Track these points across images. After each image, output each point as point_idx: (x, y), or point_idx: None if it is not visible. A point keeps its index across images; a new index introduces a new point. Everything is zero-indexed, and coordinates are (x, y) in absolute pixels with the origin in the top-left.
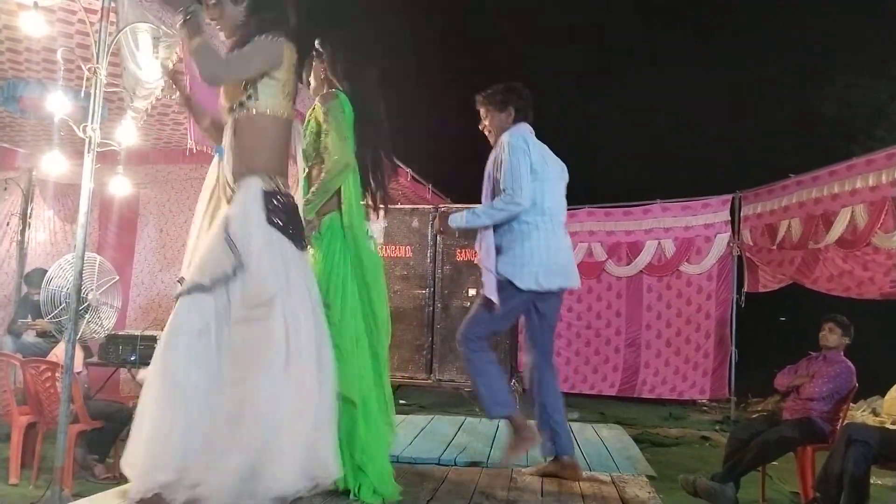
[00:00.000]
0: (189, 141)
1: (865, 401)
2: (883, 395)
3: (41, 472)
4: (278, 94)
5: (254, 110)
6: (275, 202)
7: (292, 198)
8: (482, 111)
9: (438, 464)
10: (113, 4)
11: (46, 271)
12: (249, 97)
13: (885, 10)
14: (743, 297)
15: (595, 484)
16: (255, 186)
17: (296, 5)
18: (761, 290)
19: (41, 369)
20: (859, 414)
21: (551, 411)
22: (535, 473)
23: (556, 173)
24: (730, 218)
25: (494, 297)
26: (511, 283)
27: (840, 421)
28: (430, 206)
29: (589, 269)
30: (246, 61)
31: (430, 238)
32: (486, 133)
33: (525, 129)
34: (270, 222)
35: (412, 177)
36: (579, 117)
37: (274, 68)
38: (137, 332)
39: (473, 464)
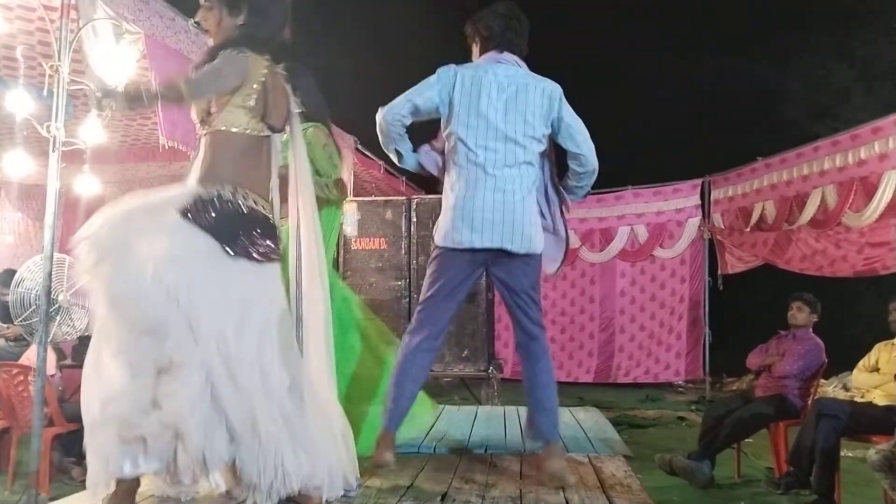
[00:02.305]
0: (160, 137)
1: (837, 377)
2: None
3: (17, 478)
4: (238, 109)
5: (217, 126)
6: (205, 205)
7: (240, 206)
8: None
9: (418, 452)
10: (73, 1)
11: (15, 272)
12: (210, 113)
13: None
14: (720, 280)
15: (572, 465)
16: (190, 188)
17: (291, 21)
18: (731, 272)
19: (13, 373)
20: (831, 389)
21: (540, 396)
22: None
23: (503, 115)
24: (700, 202)
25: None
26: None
27: (811, 397)
28: (404, 198)
29: None
30: (214, 78)
31: (404, 229)
32: None
33: (490, 58)
34: (185, 217)
35: (385, 169)
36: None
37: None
38: None
39: (453, 451)
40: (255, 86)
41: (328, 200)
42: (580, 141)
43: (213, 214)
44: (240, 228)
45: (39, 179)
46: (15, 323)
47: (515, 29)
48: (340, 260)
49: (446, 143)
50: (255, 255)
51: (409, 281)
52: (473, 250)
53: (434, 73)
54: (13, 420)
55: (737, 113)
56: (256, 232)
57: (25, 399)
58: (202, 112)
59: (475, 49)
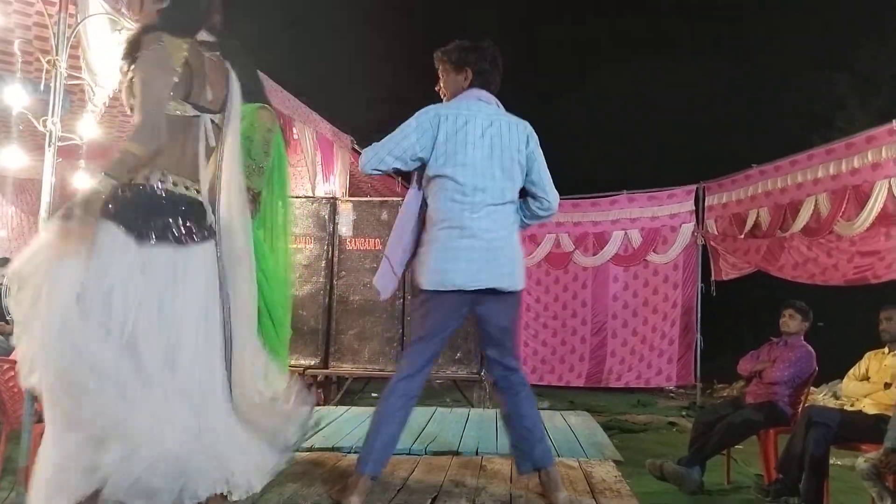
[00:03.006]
0: None
1: (827, 385)
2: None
3: (6, 474)
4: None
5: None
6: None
7: (151, 189)
8: (439, 70)
9: (409, 453)
10: None
11: (10, 260)
12: (131, 96)
13: (844, 1)
14: (713, 286)
15: (563, 468)
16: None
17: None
18: (724, 278)
19: (4, 368)
20: (821, 397)
21: (530, 426)
22: (534, 490)
23: (489, 154)
24: (694, 208)
25: (380, 287)
26: (421, 287)
27: (801, 404)
28: (400, 199)
29: (556, 259)
30: (150, 93)
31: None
32: (442, 96)
33: (472, 96)
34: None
35: None
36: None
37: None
38: None
39: (444, 453)
40: (176, 68)
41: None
42: (548, 186)
43: (121, 203)
44: (156, 213)
45: (34, 174)
46: (7, 318)
47: (499, 71)
48: (335, 260)
49: (428, 181)
50: (176, 237)
51: (404, 282)
52: (461, 292)
53: (415, 109)
54: (3, 415)
55: (732, 120)
56: (178, 214)
57: (16, 394)
58: (128, 100)
59: (457, 77)
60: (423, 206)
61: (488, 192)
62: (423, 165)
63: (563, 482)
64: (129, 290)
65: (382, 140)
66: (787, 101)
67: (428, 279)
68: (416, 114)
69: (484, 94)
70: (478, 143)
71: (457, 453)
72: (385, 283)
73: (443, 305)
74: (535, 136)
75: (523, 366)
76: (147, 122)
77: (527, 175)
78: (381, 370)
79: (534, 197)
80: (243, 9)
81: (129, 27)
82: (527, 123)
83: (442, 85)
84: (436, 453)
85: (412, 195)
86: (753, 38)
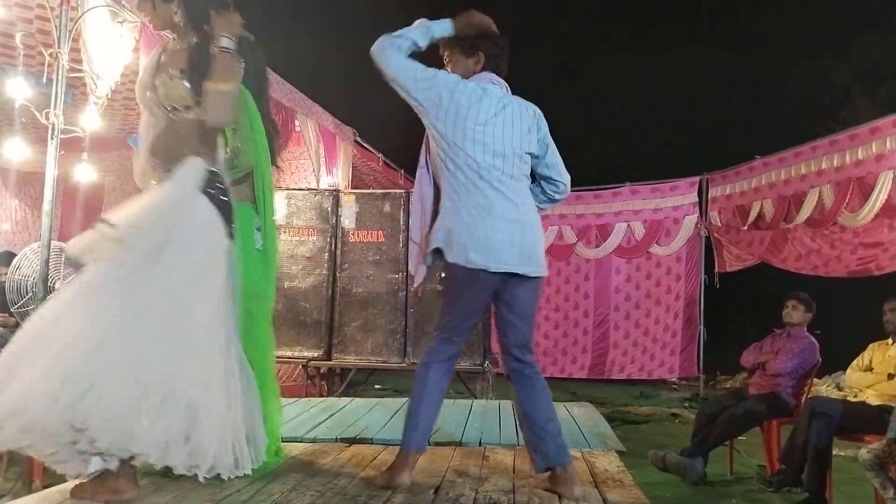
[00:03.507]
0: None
1: (830, 376)
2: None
3: (10, 465)
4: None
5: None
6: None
7: None
8: (446, 56)
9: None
10: None
11: (14, 254)
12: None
13: None
14: (717, 278)
15: None
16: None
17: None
18: (727, 270)
19: None
20: (824, 389)
21: (543, 422)
22: (539, 487)
23: (502, 134)
24: (697, 200)
25: (413, 270)
26: (452, 269)
27: (804, 395)
28: (402, 191)
29: (559, 251)
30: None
31: (402, 223)
32: None
33: (484, 78)
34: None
35: (384, 162)
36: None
37: None
38: None
39: (447, 444)
40: None
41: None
42: (561, 168)
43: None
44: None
45: (37, 167)
46: (11, 310)
47: (506, 59)
48: (338, 252)
49: (443, 158)
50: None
51: (407, 274)
52: (487, 272)
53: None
54: None
55: (736, 111)
56: None
57: None
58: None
59: (466, 61)
60: (436, 187)
61: (506, 171)
62: (429, 151)
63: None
64: None
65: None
66: (791, 92)
67: (456, 254)
68: (439, 72)
69: (495, 77)
70: (491, 121)
71: (460, 444)
72: (418, 269)
73: (474, 287)
74: (545, 121)
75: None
76: (222, 96)
77: (541, 158)
78: (384, 362)
79: (548, 180)
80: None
81: (131, 19)
82: (537, 107)
83: (450, 70)
84: (439, 444)
85: (424, 178)
86: (758, 29)
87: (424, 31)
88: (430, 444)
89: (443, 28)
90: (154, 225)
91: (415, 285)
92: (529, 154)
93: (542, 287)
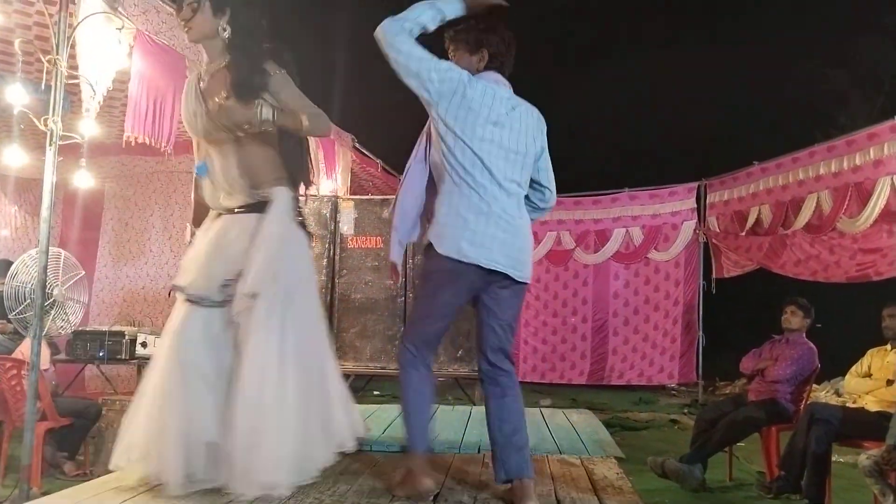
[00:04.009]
0: (126, 132)
1: (829, 382)
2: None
3: (8, 472)
4: None
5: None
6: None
7: None
8: (450, 50)
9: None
10: None
11: (11, 262)
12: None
13: None
14: (713, 284)
15: (564, 466)
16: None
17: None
18: (726, 275)
19: (7, 367)
20: (823, 395)
21: (509, 433)
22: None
23: (508, 137)
24: (696, 205)
25: (395, 257)
26: (432, 248)
27: (804, 401)
28: None
29: (557, 257)
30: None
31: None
32: None
33: (490, 78)
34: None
35: (382, 168)
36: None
37: None
38: (105, 328)
39: (446, 450)
40: None
41: None
42: (551, 176)
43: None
44: None
45: (36, 173)
46: (9, 317)
47: (512, 58)
48: (336, 258)
49: (449, 151)
50: None
51: (405, 280)
52: (477, 267)
53: (416, 106)
54: (6, 414)
55: (734, 117)
56: None
57: (19, 393)
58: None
59: (470, 58)
60: (430, 183)
61: (508, 174)
62: (430, 144)
63: (565, 479)
64: None
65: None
66: (788, 97)
67: (447, 244)
68: (450, 65)
69: (500, 77)
70: (501, 122)
71: (459, 451)
72: (395, 253)
73: (455, 281)
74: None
75: (523, 363)
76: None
77: (537, 163)
78: (382, 368)
79: (536, 187)
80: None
81: (130, 26)
82: (540, 113)
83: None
84: (438, 451)
85: (417, 172)
86: (756, 34)
87: (434, 13)
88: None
89: (454, 8)
90: (282, 271)
91: (392, 279)
92: (531, 155)
93: (524, 295)
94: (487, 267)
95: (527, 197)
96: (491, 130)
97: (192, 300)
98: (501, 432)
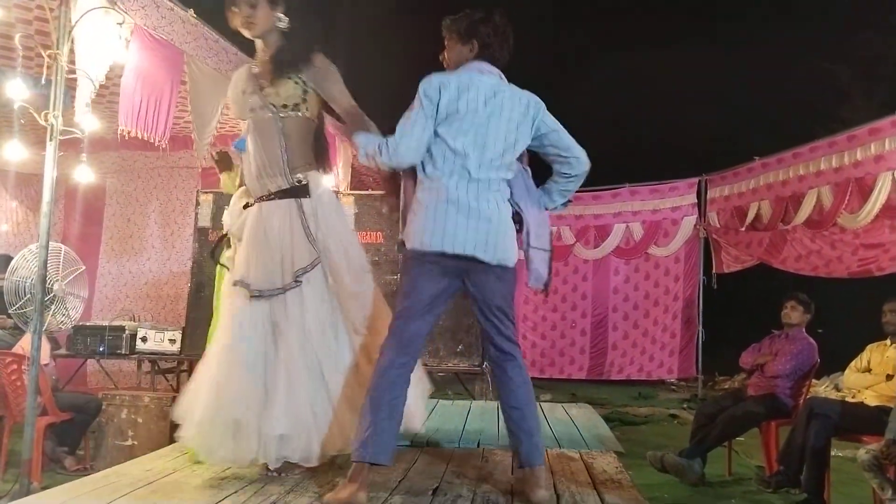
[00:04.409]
0: (120, 126)
1: (828, 377)
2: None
3: (9, 466)
4: None
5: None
6: None
7: None
8: (445, 39)
9: (410, 445)
10: None
11: (11, 257)
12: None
13: None
14: (714, 279)
15: (564, 460)
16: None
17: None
18: (725, 271)
19: (7, 362)
20: (822, 390)
21: (518, 419)
22: (514, 486)
23: (486, 124)
24: (696, 201)
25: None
26: (403, 245)
27: (803, 396)
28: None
29: (557, 252)
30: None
31: (400, 224)
32: (445, 65)
33: (473, 68)
34: None
35: None
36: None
37: None
38: (105, 323)
39: (446, 445)
40: None
41: None
42: (568, 145)
43: None
44: None
45: (36, 168)
46: (10, 312)
47: (507, 46)
48: None
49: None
50: None
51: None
52: (444, 255)
53: (418, 78)
54: (6, 409)
55: (735, 112)
56: None
57: (19, 388)
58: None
59: (462, 48)
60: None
61: (481, 159)
62: None
63: (565, 473)
64: None
65: (397, 132)
66: (789, 93)
67: (409, 239)
68: (421, 87)
69: (485, 65)
70: (479, 110)
71: (458, 445)
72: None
73: (428, 271)
74: (543, 104)
75: (522, 358)
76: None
77: (542, 142)
78: None
79: (559, 161)
80: None
81: (129, 21)
82: (532, 94)
83: (446, 55)
84: (437, 445)
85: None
86: (756, 29)
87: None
88: (427, 446)
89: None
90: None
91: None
92: (515, 148)
93: (513, 278)
94: (453, 252)
95: (559, 173)
96: (460, 119)
97: (255, 294)
98: (511, 419)
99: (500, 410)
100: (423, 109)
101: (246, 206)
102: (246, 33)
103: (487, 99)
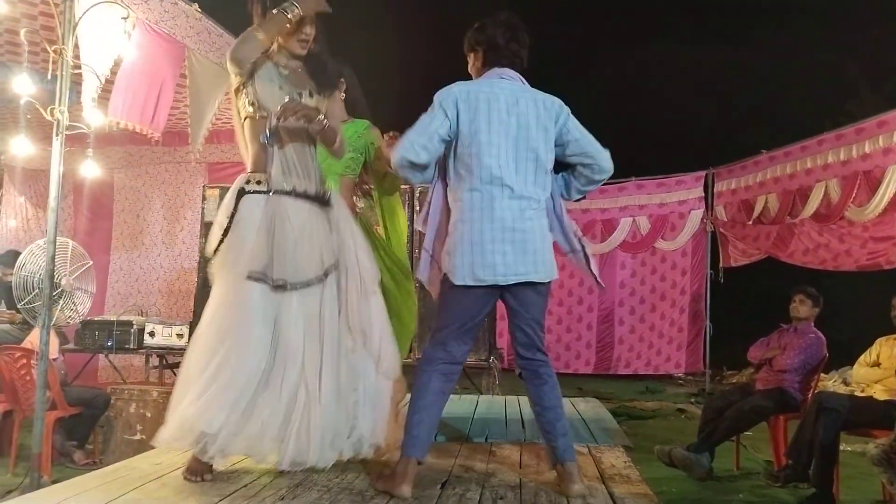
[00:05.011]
0: (108, 116)
1: (837, 371)
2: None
3: (19, 461)
4: None
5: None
6: None
7: None
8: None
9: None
10: None
11: (19, 253)
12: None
13: None
14: (721, 273)
15: None
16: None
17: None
18: (733, 265)
19: (16, 356)
20: (831, 384)
21: (552, 419)
22: (548, 483)
23: (515, 135)
24: (703, 194)
25: (425, 280)
26: (447, 278)
27: (811, 390)
28: (406, 188)
29: None
30: None
31: (406, 219)
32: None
33: (494, 75)
34: None
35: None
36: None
37: None
38: (113, 318)
39: (454, 439)
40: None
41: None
42: (593, 151)
43: None
44: None
45: (43, 164)
46: (18, 306)
47: (519, 41)
48: None
49: (450, 168)
50: None
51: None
52: (495, 286)
53: (432, 90)
54: (16, 403)
55: (742, 105)
56: None
57: (28, 382)
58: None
59: (474, 60)
60: (446, 195)
61: (515, 173)
62: (444, 154)
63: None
64: None
65: (407, 131)
66: (797, 86)
67: (459, 273)
68: (437, 95)
69: (507, 71)
70: (502, 122)
71: (466, 440)
72: (428, 275)
73: (475, 299)
74: (566, 108)
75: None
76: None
77: (566, 148)
78: None
79: (583, 165)
80: None
81: (135, 16)
82: (556, 98)
83: (470, 70)
84: (445, 440)
85: (437, 188)
86: (765, 23)
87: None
88: (436, 440)
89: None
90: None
91: (434, 295)
92: (547, 156)
93: (548, 291)
94: (505, 284)
95: (580, 174)
96: (486, 131)
97: (279, 284)
98: (546, 419)
99: (534, 413)
100: (434, 112)
101: (242, 193)
102: (298, 50)
103: (510, 108)
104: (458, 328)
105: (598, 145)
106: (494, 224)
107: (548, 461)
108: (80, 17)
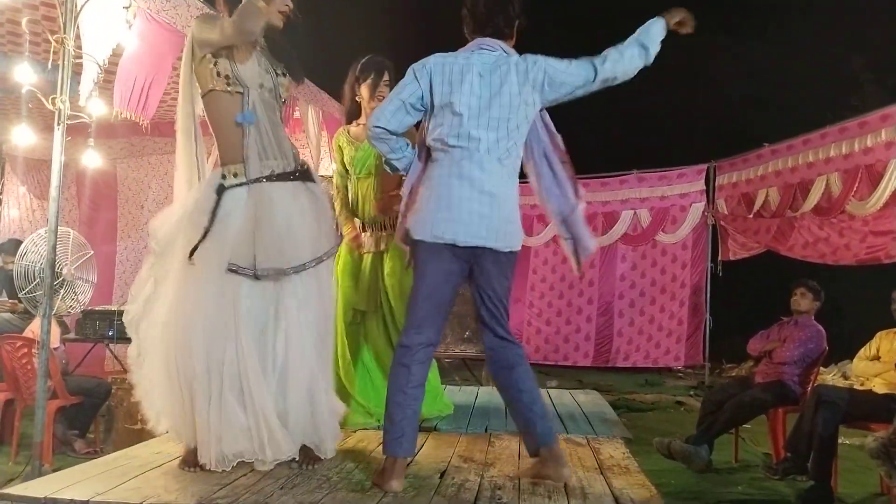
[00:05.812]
0: (114, 108)
1: (836, 365)
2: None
3: (20, 449)
4: None
5: None
6: None
7: None
8: None
9: (419, 430)
10: None
11: (20, 242)
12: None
13: None
14: (720, 266)
15: (571, 446)
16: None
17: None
18: (733, 258)
19: (17, 345)
20: (830, 378)
21: (528, 402)
22: (526, 476)
23: (488, 101)
24: (704, 187)
25: (398, 241)
26: (412, 239)
27: (811, 384)
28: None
29: None
30: None
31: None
32: None
33: (474, 45)
34: None
35: None
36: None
37: None
38: (114, 308)
39: (453, 429)
40: None
41: None
42: (571, 72)
43: None
44: None
45: (45, 154)
46: (20, 296)
47: (505, 12)
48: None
49: (426, 135)
50: None
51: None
52: (455, 246)
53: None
54: (17, 392)
55: (744, 98)
56: None
57: (29, 371)
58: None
59: (467, 32)
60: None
61: (485, 141)
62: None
63: (572, 459)
64: None
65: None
66: (799, 79)
67: (421, 228)
68: (411, 67)
69: (487, 41)
70: (475, 89)
71: (465, 430)
72: (401, 236)
73: (435, 259)
74: (540, 57)
75: (526, 344)
76: None
77: (558, 90)
78: None
79: (579, 87)
80: None
81: (137, 4)
82: (528, 56)
83: None
84: (445, 430)
85: (417, 164)
86: (766, 15)
87: None
88: (435, 430)
89: None
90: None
91: (406, 263)
92: (520, 123)
93: (515, 262)
94: (465, 245)
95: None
96: (460, 101)
97: (262, 275)
98: (522, 403)
99: (506, 403)
100: (405, 80)
101: (223, 190)
102: (277, 21)
103: (484, 74)
104: (429, 306)
105: (570, 65)
106: (463, 183)
107: (528, 449)
108: (82, 7)
